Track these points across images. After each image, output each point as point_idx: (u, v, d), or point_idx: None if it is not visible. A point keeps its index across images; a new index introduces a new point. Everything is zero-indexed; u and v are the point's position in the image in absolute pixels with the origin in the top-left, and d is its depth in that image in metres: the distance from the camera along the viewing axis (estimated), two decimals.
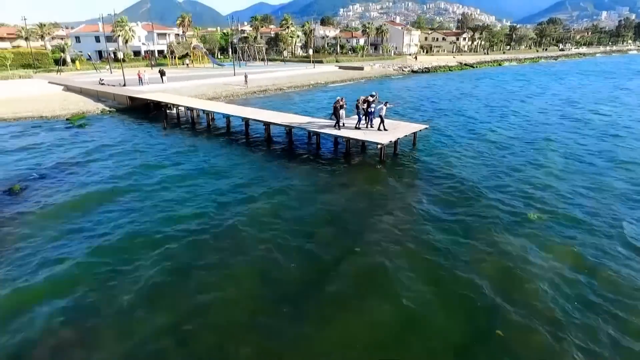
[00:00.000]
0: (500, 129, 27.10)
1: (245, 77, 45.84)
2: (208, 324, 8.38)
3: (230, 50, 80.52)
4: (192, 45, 66.65)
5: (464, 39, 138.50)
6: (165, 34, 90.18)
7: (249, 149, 22.44)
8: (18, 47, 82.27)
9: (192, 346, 7.83)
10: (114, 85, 40.36)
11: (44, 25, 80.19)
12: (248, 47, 75.72)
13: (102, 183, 16.63)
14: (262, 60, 75.65)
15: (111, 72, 55.16)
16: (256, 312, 8.77)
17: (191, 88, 41.36)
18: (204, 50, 66.73)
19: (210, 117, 27.98)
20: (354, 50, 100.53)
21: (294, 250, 11.21)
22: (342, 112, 22.02)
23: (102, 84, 41.11)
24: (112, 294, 9.34)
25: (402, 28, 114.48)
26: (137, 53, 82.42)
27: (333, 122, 22.00)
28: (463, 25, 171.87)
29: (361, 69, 65.89)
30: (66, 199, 14.90)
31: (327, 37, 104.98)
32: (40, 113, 31.18)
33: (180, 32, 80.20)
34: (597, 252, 11.05)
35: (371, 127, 21.63)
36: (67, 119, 30.15)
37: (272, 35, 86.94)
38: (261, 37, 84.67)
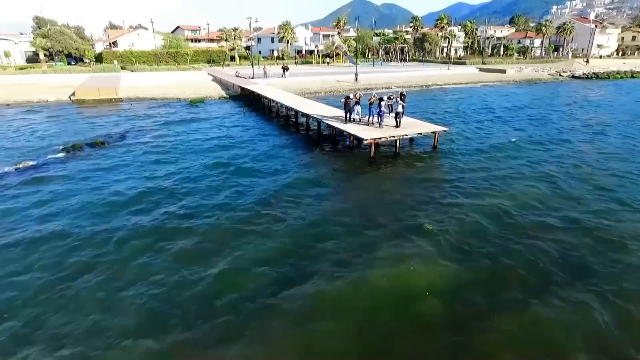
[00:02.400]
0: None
1: (356, 75, 48.05)
2: None
3: (380, 50, 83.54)
4: (335, 45, 72.15)
5: None
6: (329, 35, 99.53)
7: (286, 133, 25.70)
8: (222, 47, 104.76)
9: None
10: (244, 78, 48.68)
11: (237, 29, 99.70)
12: (393, 48, 76.89)
13: (163, 140, 22.71)
14: (402, 60, 75.81)
15: (259, 67, 65.42)
16: None
17: (299, 82, 46.21)
18: (344, 50, 71.36)
19: (277, 107, 31.79)
20: (521, 51, 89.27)
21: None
22: (357, 107, 22.52)
23: (237, 76, 50.07)
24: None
25: (595, 26, 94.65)
26: (299, 52, 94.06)
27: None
28: None
29: (503, 71, 59.13)
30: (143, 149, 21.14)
31: (492, 37, 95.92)
32: (178, 95, 40.90)
33: (332, 33, 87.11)
34: None
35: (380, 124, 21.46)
36: (190, 101, 38.83)
37: (419, 36, 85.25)
38: (411, 38, 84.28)
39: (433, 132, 21.18)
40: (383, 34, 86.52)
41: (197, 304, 8.79)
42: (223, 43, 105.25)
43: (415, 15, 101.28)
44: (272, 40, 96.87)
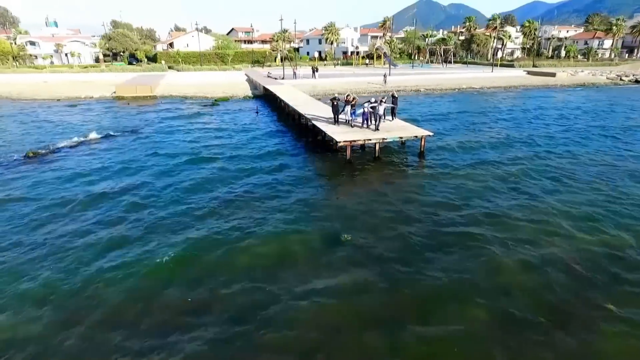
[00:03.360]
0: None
1: (384, 76, 47.19)
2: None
3: (427, 52, 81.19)
4: (376, 46, 71.19)
5: None
6: (377, 36, 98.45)
7: (286, 133, 25.93)
8: (265, 49, 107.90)
9: None
10: (274, 78, 49.86)
11: (286, 31, 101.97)
12: (439, 49, 74.26)
13: (165, 135, 24.11)
14: (444, 62, 72.96)
15: (297, 69, 66.51)
16: None
17: (327, 84, 46.32)
18: (384, 51, 70.14)
19: (287, 106, 32.23)
20: (585, 53, 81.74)
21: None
22: (347, 108, 22.15)
23: (268, 76, 51.41)
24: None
25: None
26: (345, 53, 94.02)
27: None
28: None
29: (552, 75, 54.61)
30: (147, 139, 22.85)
31: (553, 38, 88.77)
32: (207, 94, 42.90)
33: (381, 34, 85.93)
34: None
35: (367, 126, 21.04)
36: (214, 99, 40.61)
37: (467, 37, 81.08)
38: (459, 39, 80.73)
39: (416, 137, 20.35)
40: (430, 36, 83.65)
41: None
42: (275, 44, 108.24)
43: (489, 15, 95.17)
44: (320, 41, 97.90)
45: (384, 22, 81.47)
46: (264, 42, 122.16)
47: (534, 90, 47.93)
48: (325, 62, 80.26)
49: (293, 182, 16.46)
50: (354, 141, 19.24)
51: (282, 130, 26.53)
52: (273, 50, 79.97)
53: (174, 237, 11.58)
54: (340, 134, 19.74)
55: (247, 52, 79.72)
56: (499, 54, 70.14)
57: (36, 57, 76.01)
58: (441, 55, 73.47)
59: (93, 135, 24.48)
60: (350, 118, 21.83)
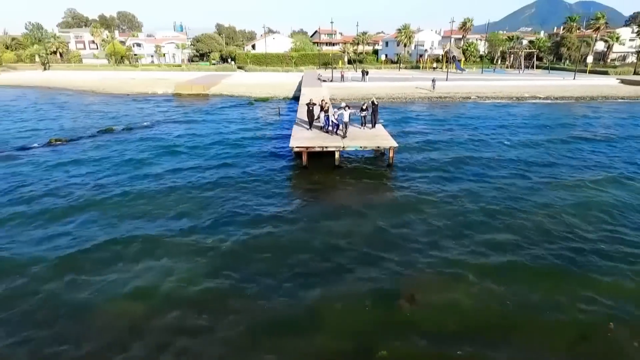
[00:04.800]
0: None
1: (433, 82, 44.42)
2: None
3: (509, 56, 74.18)
4: (445, 49, 66.73)
5: None
6: (461, 38, 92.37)
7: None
8: (355, 50, 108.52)
9: None
10: (324, 80, 50.29)
11: (366, 33, 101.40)
12: (520, 53, 66.91)
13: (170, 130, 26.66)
14: (521, 67, 65.34)
15: (356, 71, 65.92)
16: None
17: (371, 87, 45.24)
18: (452, 55, 65.31)
19: None
20: None
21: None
22: (321, 115, 21.79)
23: (318, 78, 51.99)
24: None
25: None
26: (421, 56, 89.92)
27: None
28: None
29: None
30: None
31: None
32: (252, 94, 45.11)
33: (460, 36, 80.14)
34: None
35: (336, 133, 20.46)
36: (253, 99, 42.58)
37: (557, 40, 70.85)
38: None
39: (378, 148, 19.12)
40: (514, 38, 75.67)
41: None
42: (344, 47, 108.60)
43: (627, 14, 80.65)
44: (398, 44, 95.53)
45: (464, 23, 75.97)
46: (345, 43, 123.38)
47: (614, 103, 40.74)
48: (397, 65, 78.04)
49: (220, 181, 16.94)
50: (310, 147, 18.84)
51: (282, 134, 26.78)
52: (343, 52, 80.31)
53: None
54: (299, 139, 19.51)
55: (315, 54, 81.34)
56: (589, 59, 60.30)
57: (140, 57, 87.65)
58: (521, 60, 65.97)
59: (113, 127, 27.88)
60: (323, 124, 21.41)
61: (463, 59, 70.24)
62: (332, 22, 73.48)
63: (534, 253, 11.22)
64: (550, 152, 22.29)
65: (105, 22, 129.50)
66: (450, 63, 62.49)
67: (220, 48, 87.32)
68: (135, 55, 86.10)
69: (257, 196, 15.40)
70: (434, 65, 70.10)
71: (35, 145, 23.34)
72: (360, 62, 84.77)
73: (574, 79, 51.19)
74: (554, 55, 71.58)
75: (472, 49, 75.15)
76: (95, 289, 9.55)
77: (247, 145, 23.38)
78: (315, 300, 9.21)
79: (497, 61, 78.69)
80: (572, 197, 15.29)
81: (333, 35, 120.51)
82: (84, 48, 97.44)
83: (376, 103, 21.72)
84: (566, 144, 23.96)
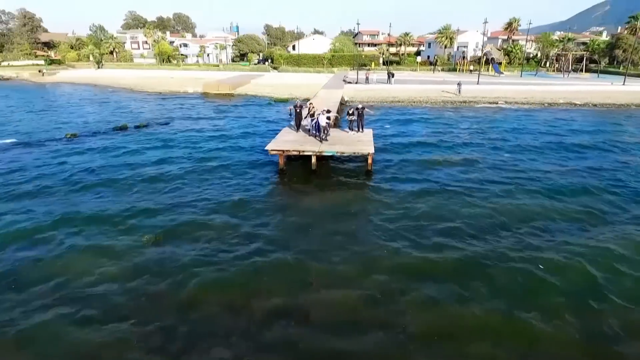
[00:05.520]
0: None
1: (459, 85, 42.65)
2: None
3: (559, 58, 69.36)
4: (484, 51, 63.41)
5: None
6: (508, 39, 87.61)
7: None
8: (398, 51, 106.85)
9: None
10: (349, 82, 50.07)
11: (408, 34, 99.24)
12: (567, 56, 62.10)
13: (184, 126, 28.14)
14: (567, 71, 60.51)
15: (371, 74, 64.56)
16: None
17: (391, 90, 44.36)
18: (491, 57, 61.91)
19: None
20: None
21: None
22: (308, 118, 21.81)
23: (344, 80, 51.80)
24: None
25: None
26: (464, 57, 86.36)
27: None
28: None
29: None
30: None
31: None
32: (273, 95, 45.94)
33: (505, 37, 75.98)
34: None
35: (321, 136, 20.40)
36: (274, 100, 43.32)
37: (613, 41, 64.39)
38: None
39: (354, 153, 18.77)
40: (565, 39, 70.28)
41: None
42: (380, 48, 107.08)
43: None
44: (446, 45, 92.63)
45: (509, 23, 71.95)
46: (391, 44, 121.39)
47: None
48: (435, 66, 75.65)
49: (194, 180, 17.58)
50: (286, 151, 18.96)
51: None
52: (379, 54, 79.28)
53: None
54: (278, 142, 19.70)
55: (350, 55, 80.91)
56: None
57: (186, 56, 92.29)
58: (569, 63, 61.13)
59: (126, 125, 29.68)
60: (309, 128, 21.47)
61: (504, 62, 66.55)
62: (358, 24, 73.12)
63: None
64: (524, 157, 20.89)
65: (162, 23, 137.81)
66: (488, 65, 59.48)
67: (260, 49, 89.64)
68: (181, 55, 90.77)
69: (221, 194, 15.86)
70: (471, 67, 67.11)
71: (53, 138, 25.49)
72: (398, 63, 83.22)
73: (624, 84, 46.75)
74: (608, 57, 65.62)
75: (517, 51, 70.94)
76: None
77: (241, 144, 24.00)
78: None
79: (546, 64, 73.71)
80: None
81: (376, 36, 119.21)
82: (138, 48, 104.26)
83: (360, 107, 21.37)
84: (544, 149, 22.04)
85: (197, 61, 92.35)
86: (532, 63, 73.04)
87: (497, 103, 40.23)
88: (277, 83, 52.69)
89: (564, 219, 13.81)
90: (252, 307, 9.20)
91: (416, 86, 47.28)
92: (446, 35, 77.08)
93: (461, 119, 33.06)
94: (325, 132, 19.62)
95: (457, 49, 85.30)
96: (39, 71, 68.22)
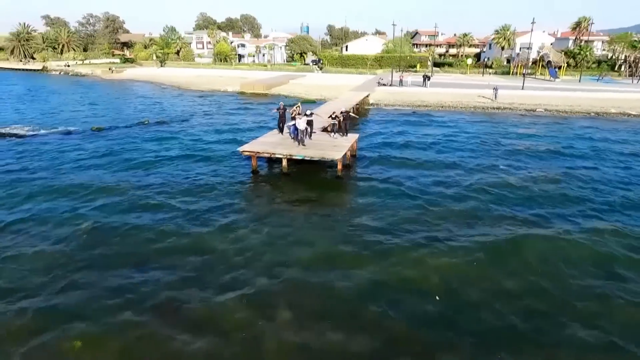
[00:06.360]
0: None
1: (495, 90, 39.75)
2: None
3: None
4: (541, 54, 57.87)
5: None
6: (581, 40, 79.47)
7: None
8: (457, 53, 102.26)
9: None
10: (384, 84, 49.02)
11: (467, 34, 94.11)
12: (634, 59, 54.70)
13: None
14: (633, 75, 53.08)
15: (404, 76, 61.74)
16: None
17: (423, 93, 42.68)
18: (548, 60, 56.20)
19: None
20: None
21: None
22: (291, 121, 21.85)
23: (379, 82, 50.72)
24: None
25: None
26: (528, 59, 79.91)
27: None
28: None
29: None
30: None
31: None
32: (303, 95, 46.37)
33: (574, 38, 68.70)
34: None
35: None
36: (302, 100, 43.62)
37: None
38: None
39: (323, 158, 18.45)
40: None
41: None
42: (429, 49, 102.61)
43: None
44: (503, 47, 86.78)
45: (578, 23, 65.10)
46: (450, 45, 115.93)
47: None
48: (487, 69, 71.08)
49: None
50: (257, 152, 19.28)
51: None
52: (429, 55, 76.39)
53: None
54: (253, 143, 20.10)
55: (397, 57, 78.62)
56: None
57: (242, 56, 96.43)
58: (633, 67, 53.71)
59: (147, 120, 31.97)
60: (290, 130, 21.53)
61: (564, 65, 60.44)
62: (413, 29, 70.38)
63: None
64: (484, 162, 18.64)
65: (230, 24, 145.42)
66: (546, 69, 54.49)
67: (312, 49, 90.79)
68: (237, 55, 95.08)
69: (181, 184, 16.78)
70: (524, 71, 61.86)
71: (78, 129, 28.36)
72: (450, 65, 79.44)
73: None
74: None
75: (585, 53, 64.04)
76: None
77: (235, 141, 24.78)
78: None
79: (621, 67, 65.64)
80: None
81: (435, 37, 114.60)
82: (202, 48, 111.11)
83: (344, 111, 20.98)
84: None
85: (253, 61, 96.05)
86: (605, 67, 65.43)
87: (534, 110, 36.89)
88: (312, 84, 53.11)
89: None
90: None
91: (452, 90, 44.89)
92: (503, 35, 71.93)
93: (471, 124, 31.09)
94: (304, 135, 19.56)
95: (520, 50, 79.28)
96: (109, 69, 75.62)
